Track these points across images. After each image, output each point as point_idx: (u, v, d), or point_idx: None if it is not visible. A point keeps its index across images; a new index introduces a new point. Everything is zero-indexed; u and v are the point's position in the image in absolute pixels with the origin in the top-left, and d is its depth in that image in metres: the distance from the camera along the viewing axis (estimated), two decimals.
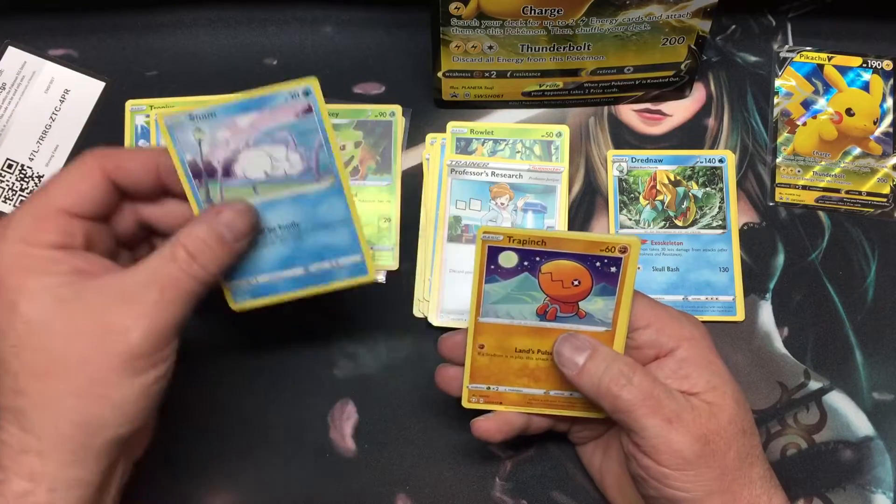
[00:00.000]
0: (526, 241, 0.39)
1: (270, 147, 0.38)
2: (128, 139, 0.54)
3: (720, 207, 0.52)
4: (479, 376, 0.42)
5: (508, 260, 0.39)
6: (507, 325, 0.41)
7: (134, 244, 0.41)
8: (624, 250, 0.39)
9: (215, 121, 0.38)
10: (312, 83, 0.38)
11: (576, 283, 0.40)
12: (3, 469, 0.33)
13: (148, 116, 0.54)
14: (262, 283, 0.41)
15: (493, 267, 0.40)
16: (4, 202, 0.53)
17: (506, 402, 0.43)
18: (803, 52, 0.55)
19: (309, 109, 0.38)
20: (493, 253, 0.39)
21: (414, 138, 0.54)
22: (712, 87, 0.55)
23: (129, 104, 0.54)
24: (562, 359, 0.40)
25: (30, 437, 0.33)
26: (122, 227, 0.39)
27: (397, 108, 0.54)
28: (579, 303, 0.40)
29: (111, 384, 0.34)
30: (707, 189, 0.52)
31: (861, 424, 0.49)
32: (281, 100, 0.38)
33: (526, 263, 0.40)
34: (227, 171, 0.38)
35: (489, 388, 0.43)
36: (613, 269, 0.39)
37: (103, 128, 0.54)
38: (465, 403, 0.43)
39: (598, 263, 0.39)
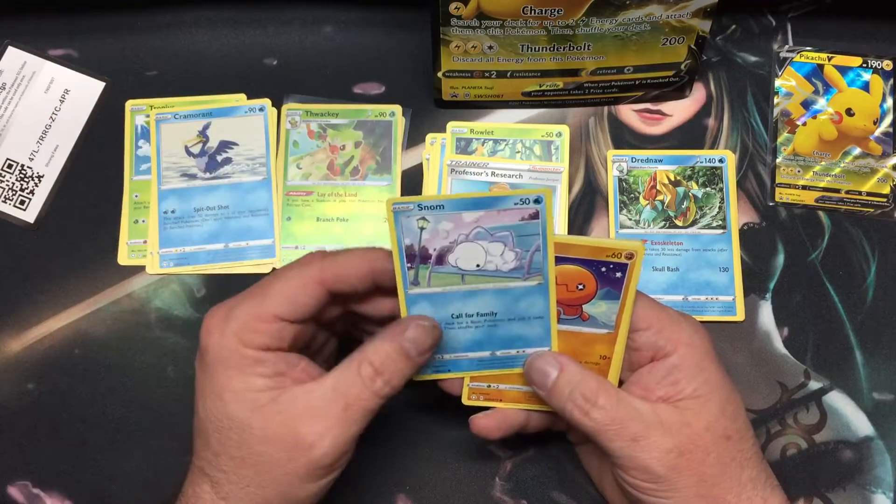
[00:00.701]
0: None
1: (489, 243, 0.39)
2: (127, 139, 0.54)
3: (720, 207, 0.52)
4: (480, 374, 0.42)
5: None
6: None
7: (338, 329, 0.44)
8: (630, 256, 0.39)
9: (442, 213, 0.39)
10: (545, 193, 0.39)
11: (580, 286, 0.40)
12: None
13: (148, 116, 0.54)
14: (447, 360, 0.42)
15: None
16: (4, 202, 0.53)
17: (505, 400, 0.43)
18: (803, 52, 0.55)
19: (536, 215, 0.39)
20: None
21: (414, 138, 0.54)
22: (712, 87, 0.55)
23: (129, 104, 0.54)
24: (532, 379, 0.41)
25: (218, 500, 0.37)
26: (328, 315, 0.41)
27: (397, 108, 0.54)
28: (583, 306, 0.41)
29: (293, 486, 0.37)
30: (707, 189, 0.52)
31: (861, 424, 0.49)
32: (511, 203, 0.39)
33: None
34: (440, 259, 0.40)
35: (490, 385, 0.43)
36: (619, 275, 0.40)
37: (103, 128, 0.54)
38: (464, 400, 0.43)
39: (603, 269, 0.40)
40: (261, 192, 0.52)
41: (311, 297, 0.38)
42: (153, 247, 0.52)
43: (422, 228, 0.39)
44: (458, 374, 0.43)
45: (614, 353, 0.41)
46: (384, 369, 0.38)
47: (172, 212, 0.52)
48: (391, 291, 0.40)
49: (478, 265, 0.40)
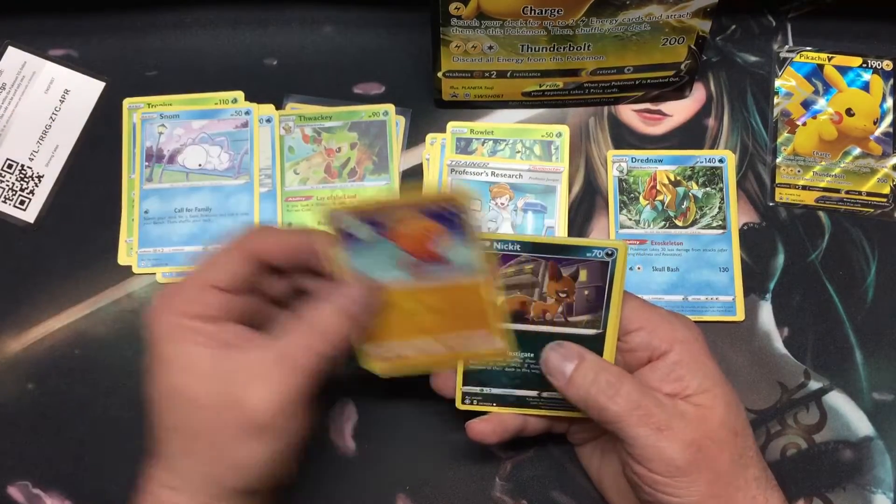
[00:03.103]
0: (368, 211, 0.38)
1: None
2: (125, 137, 0.54)
3: (720, 207, 0.52)
4: (380, 335, 0.41)
5: (363, 232, 0.39)
6: (385, 287, 0.40)
7: (290, 302, 0.43)
8: (453, 201, 0.38)
9: None
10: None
11: (429, 234, 0.39)
12: (150, 494, 0.38)
13: (145, 115, 0.54)
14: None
15: (351, 239, 0.39)
16: (4, 202, 0.53)
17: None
18: (803, 52, 0.55)
19: (246, 125, 0.40)
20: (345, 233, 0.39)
21: (414, 138, 0.54)
22: (712, 87, 0.55)
23: (127, 102, 0.54)
24: (549, 368, 0.40)
25: (172, 476, 0.38)
26: (275, 291, 0.42)
27: (390, 108, 0.54)
28: (440, 252, 0.39)
29: (233, 449, 0.37)
30: (707, 189, 0.52)
31: (861, 424, 0.49)
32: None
33: (379, 231, 0.39)
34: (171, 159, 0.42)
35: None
36: (457, 222, 0.38)
37: (103, 128, 0.54)
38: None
39: (443, 216, 0.38)
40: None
41: (242, 266, 0.39)
42: (135, 245, 0.52)
43: (160, 133, 0.39)
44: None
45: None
46: (322, 328, 0.38)
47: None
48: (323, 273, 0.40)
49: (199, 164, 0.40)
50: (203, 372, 0.37)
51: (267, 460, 0.37)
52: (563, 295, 0.40)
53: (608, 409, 0.38)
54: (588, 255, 0.38)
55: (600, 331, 0.40)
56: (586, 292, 0.39)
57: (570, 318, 0.40)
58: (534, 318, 0.40)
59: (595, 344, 0.40)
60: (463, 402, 0.43)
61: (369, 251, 0.39)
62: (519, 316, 0.40)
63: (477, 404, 0.42)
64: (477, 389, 0.43)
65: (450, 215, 0.38)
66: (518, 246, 0.38)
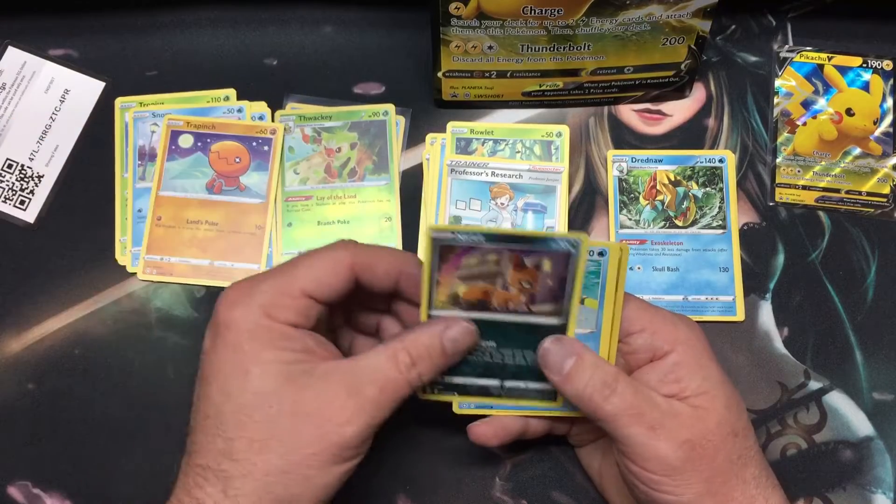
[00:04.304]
0: (200, 125, 0.43)
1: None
2: (118, 136, 0.54)
3: (720, 207, 0.52)
4: (156, 247, 0.44)
5: (186, 141, 0.43)
6: (181, 198, 0.44)
7: (357, 326, 0.43)
8: (273, 132, 0.43)
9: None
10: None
11: (237, 160, 0.44)
12: None
13: (137, 113, 0.54)
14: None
15: (174, 148, 0.43)
16: (4, 202, 0.53)
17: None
18: (803, 52, 0.55)
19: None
20: (174, 137, 0.43)
21: (414, 138, 0.54)
22: (712, 87, 0.55)
23: (119, 101, 0.54)
24: (547, 362, 0.40)
25: (228, 500, 0.34)
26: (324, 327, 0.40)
27: (390, 107, 0.54)
28: (240, 178, 0.44)
29: (320, 468, 0.35)
30: (707, 189, 0.52)
31: (861, 424, 0.49)
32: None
33: (199, 144, 0.44)
34: None
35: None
36: (266, 149, 0.43)
37: (103, 128, 0.54)
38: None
39: (254, 143, 0.44)
40: None
41: (340, 278, 0.38)
42: (129, 245, 0.52)
43: (153, 132, 0.42)
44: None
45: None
46: (419, 361, 0.37)
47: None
48: (404, 299, 0.40)
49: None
50: (296, 379, 0.35)
51: (342, 482, 0.36)
52: (526, 285, 0.40)
53: (602, 408, 0.38)
54: (552, 245, 0.38)
55: (563, 321, 0.40)
56: (549, 282, 0.39)
57: (532, 308, 0.40)
58: (496, 307, 0.40)
59: (558, 333, 0.40)
60: (424, 392, 0.42)
61: (184, 160, 0.44)
62: (482, 305, 0.40)
63: (438, 393, 0.42)
64: (439, 377, 0.42)
65: (260, 141, 0.44)
66: (482, 237, 0.38)
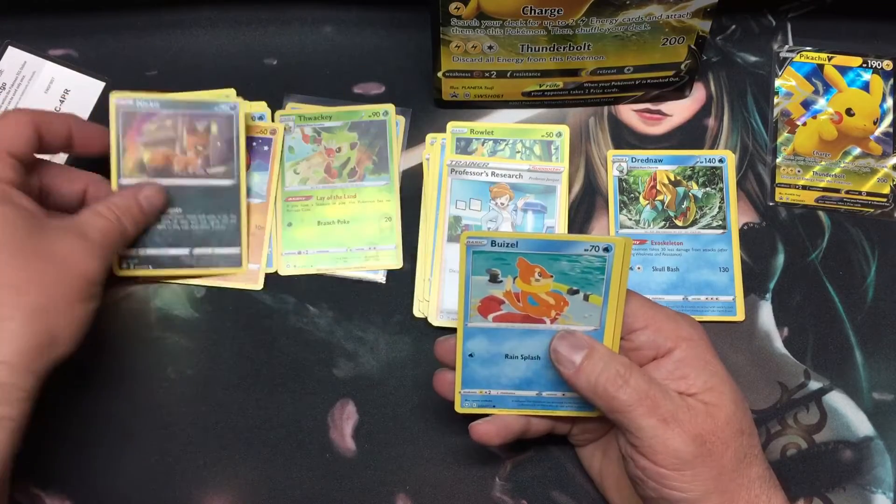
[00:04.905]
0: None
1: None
2: (112, 133, 0.50)
3: (720, 207, 0.52)
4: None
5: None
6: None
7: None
8: (273, 132, 0.48)
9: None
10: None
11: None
12: None
13: None
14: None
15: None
16: None
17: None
18: (803, 52, 0.55)
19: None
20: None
21: (414, 138, 0.54)
22: (712, 87, 0.55)
23: (114, 95, 0.51)
24: (558, 356, 0.40)
25: None
26: (28, 189, 0.45)
27: (390, 107, 0.54)
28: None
29: (74, 304, 0.40)
30: (707, 189, 0.52)
31: (861, 424, 0.49)
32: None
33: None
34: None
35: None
36: (266, 149, 0.48)
37: None
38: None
39: (254, 143, 0.48)
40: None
41: (29, 131, 0.43)
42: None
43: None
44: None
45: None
46: (123, 216, 0.45)
47: None
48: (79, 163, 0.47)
49: None
50: (33, 229, 0.40)
51: (87, 320, 0.41)
52: (200, 148, 0.46)
53: (617, 398, 0.38)
54: (215, 109, 0.46)
55: (234, 181, 0.46)
56: (219, 144, 0.46)
57: (208, 170, 0.47)
58: (178, 172, 0.47)
59: (232, 194, 0.48)
60: (121, 268, 0.47)
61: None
62: (166, 171, 0.46)
63: (134, 268, 0.48)
64: (133, 252, 0.48)
65: (261, 141, 0.47)
66: (158, 104, 0.47)
